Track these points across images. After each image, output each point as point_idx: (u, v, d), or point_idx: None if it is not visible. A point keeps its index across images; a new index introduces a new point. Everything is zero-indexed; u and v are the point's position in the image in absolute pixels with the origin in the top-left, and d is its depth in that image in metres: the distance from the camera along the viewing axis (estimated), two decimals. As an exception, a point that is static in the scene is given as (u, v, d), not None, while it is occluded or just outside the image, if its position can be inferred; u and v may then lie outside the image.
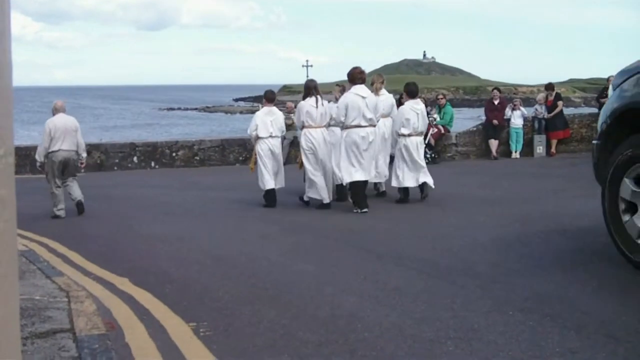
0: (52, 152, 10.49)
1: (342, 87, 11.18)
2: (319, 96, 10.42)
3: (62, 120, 10.51)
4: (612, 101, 5.78)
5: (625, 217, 5.57)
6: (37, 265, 7.18)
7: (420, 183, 10.42)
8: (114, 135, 50.51)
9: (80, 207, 10.81)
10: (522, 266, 6.11)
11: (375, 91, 10.83)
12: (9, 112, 1.02)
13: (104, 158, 20.10)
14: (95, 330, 4.80)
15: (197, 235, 8.96)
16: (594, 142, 6.14)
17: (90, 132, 57.23)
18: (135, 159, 20.18)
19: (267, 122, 10.77)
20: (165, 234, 8.99)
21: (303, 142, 10.45)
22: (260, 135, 10.74)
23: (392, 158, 11.05)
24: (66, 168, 10.64)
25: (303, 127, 10.46)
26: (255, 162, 11.01)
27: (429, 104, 19.13)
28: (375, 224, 8.97)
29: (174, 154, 19.85)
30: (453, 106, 19.99)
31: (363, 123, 9.66)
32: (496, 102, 17.89)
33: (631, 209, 5.52)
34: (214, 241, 8.44)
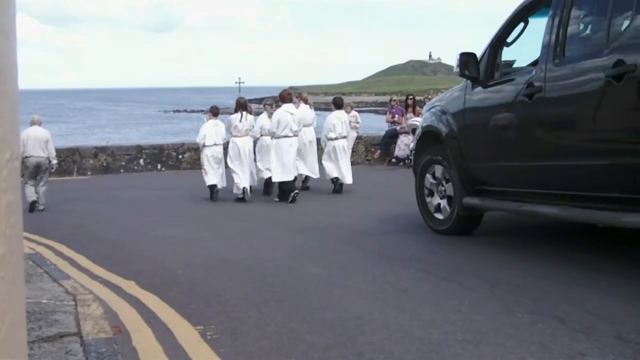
0: (26, 157, 12.13)
1: (271, 103, 13.62)
2: (244, 112, 12.63)
3: (34, 132, 12.35)
4: (420, 124, 8.54)
5: (428, 199, 8.12)
6: (44, 268, 7.19)
7: (341, 178, 12.94)
8: (121, 137, 50.73)
9: (32, 206, 12.09)
10: (530, 268, 6.08)
11: (304, 102, 13.86)
12: (14, 116, 1.01)
13: (111, 161, 20.14)
14: (102, 333, 4.80)
15: (203, 237, 8.96)
16: (412, 150, 8.95)
17: (93, 134, 57.48)
18: (141, 161, 20.21)
19: (213, 132, 12.88)
20: (171, 237, 8.99)
21: (230, 148, 12.71)
22: (207, 143, 12.83)
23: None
24: (38, 171, 12.33)
25: (232, 136, 12.69)
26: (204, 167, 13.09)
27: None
28: (381, 225, 8.96)
29: (180, 156, 19.87)
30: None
31: (290, 134, 12.02)
32: None
33: (431, 194, 8.06)
34: (221, 244, 8.44)
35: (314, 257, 7.36)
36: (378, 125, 31.53)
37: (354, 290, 5.74)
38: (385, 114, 20.25)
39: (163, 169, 19.88)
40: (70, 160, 20.00)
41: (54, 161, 12.78)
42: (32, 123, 12.54)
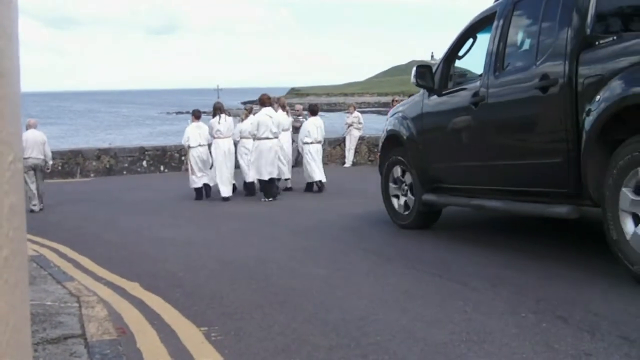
0: (25, 159, 12.35)
1: (249, 109, 14.41)
2: (223, 115, 13.48)
3: (32, 135, 12.83)
4: (384, 128, 9.20)
5: (392, 197, 8.81)
6: (48, 270, 7.20)
7: (318, 180, 13.82)
8: (122, 139, 50.90)
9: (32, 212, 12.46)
10: (532, 268, 6.07)
11: (282, 107, 14.44)
12: (17, 119, 1.01)
13: (114, 162, 20.16)
14: (107, 335, 4.80)
15: (206, 239, 8.97)
16: (377, 152, 9.66)
17: (94, 135, 57.64)
18: (144, 163, 20.24)
19: (197, 134, 13.72)
20: (174, 238, 9.00)
21: (213, 149, 13.45)
22: (191, 144, 13.65)
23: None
24: (36, 172, 12.85)
25: (214, 138, 13.43)
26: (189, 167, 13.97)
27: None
28: (382, 226, 8.95)
29: (183, 158, 19.88)
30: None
31: (270, 136, 12.77)
32: None
33: (395, 192, 8.78)
34: (224, 245, 8.45)
35: (315, 257, 7.36)
36: (381, 126, 31.42)
37: (356, 291, 5.74)
38: (387, 114, 20.33)
39: (166, 170, 19.90)
40: (73, 162, 20.02)
41: (50, 162, 13.46)
42: (29, 126, 13.05)
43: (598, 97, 5.33)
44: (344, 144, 20.65)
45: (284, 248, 8.05)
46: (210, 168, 13.56)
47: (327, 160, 21.41)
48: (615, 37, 5.52)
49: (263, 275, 6.54)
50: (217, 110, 13.53)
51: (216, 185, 13.45)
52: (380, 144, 9.30)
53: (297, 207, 11.76)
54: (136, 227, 10.51)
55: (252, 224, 10.16)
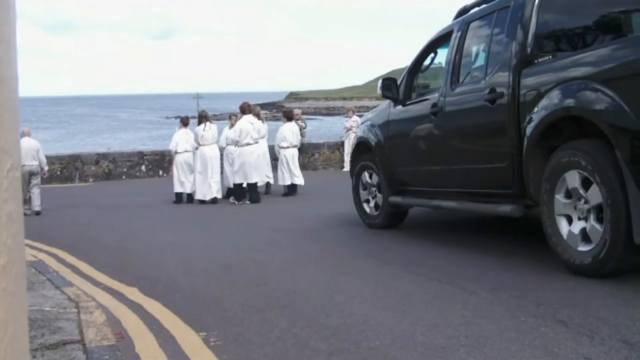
0: (21, 166, 13.30)
1: (235, 117, 14.65)
2: (208, 122, 14.26)
3: (26, 143, 13.31)
4: (356, 135, 9.98)
5: (362, 199, 9.43)
6: (47, 275, 7.19)
7: (294, 183, 14.54)
8: (120, 142, 51.01)
9: (38, 214, 13.21)
10: (531, 271, 6.06)
11: (257, 116, 14.81)
12: (15, 126, 1.00)
13: (112, 167, 20.16)
14: (105, 341, 4.79)
15: (205, 243, 8.96)
16: (350, 157, 10.58)
17: (91, 140, 57.74)
18: (143, 167, 20.24)
19: (184, 140, 14.46)
20: (173, 243, 8.99)
21: (197, 156, 14.15)
22: (179, 150, 14.41)
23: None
24: (31, 178, 13.30)
25: (199, 145, 14.14)
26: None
27: None
28: (381, 231, 8.95)
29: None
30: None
31: (251, 142, 13.56)
32: None
33: (364, 194, 9.38)
34: (223, 249, 8.44)
35: (315, 261, 7.35)
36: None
37: (356, 295, 5.73)
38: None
39: (164, 175, 19.90)
40: (72, 167, 20.02)
41: (46, 168, 14.00)
42: (23, 134, 13.51)
43: (536, 108, 6.02)
44: (343, 148, 20.66)
45: (283, 252, 8.04)
46: (192, 173, 14.33)
47: (325, 165, 21.43)
48: (551, 57, 6.25)
49: (262, 280, 6.53)
50: (202, 117, 14.33)
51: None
52: (351, 150, 10.11)
53: (296, 211, 11.75)
54: (135, 231, 10.50)
55: (251, 228, 10.16)
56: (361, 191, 9.46)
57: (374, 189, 9.18)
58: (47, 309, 5.67)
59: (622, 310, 4.78)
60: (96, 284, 6.87)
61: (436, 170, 7.72)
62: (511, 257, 6.65)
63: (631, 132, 5.12)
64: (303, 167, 20.52)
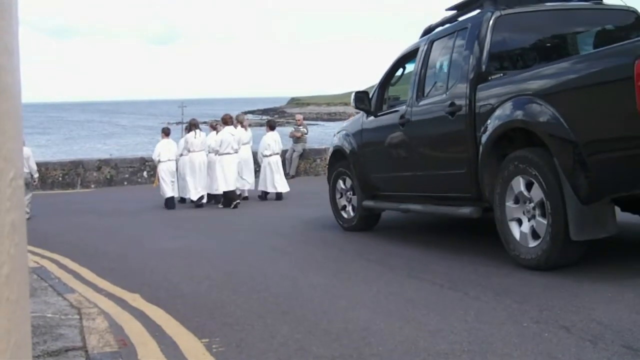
0: None
1: (216, 124, 15.50)
2: (197, 130, 15.07)
3: None
4: (332, 144, 10.60)
5: (338, 203, 10.00)
6: (49, 282, 7.18)
7: (278, 190, 15.16)
8: (120, 148, 51.20)
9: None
10: (534, 277, 6.05)
11: (240, 124, 15.87)
12: (18, 134, 1.00)
13: (114, 173, 20.18)
14: (108, 347, 4.79)
15: (207, 249, 8.95)
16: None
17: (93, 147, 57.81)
18: (145, 173, 20.25)
19: (167, 150, 15.23)
20: (175, 249, 8.99)
21: (187, 161, 14.86)
22: (162, 159, 15.11)
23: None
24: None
25: (189, 151, 14.92)
26: (158, 179, 15.79)
27: None
28: (384, 236, 8.95)
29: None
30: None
31: (231, 152, 14.40)
32: None
33: (340, 199, 9.96)
34: (224, 255, 8.43)
35: (317, 267, 7.35)
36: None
37: (358, 301, 5.73)
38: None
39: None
40: (74, 173, 20.03)
41: (36, 175, 14.17)
42: None
43: (490, 120, 6.66)
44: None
45: (284, 257, 8.03)
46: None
47: (327, 170, 21.42)
48: (502, 74, 6.93)
49: (265, 286, 6.52)
50: (193, 126, 15.28)
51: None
52: (328, 158, 10.73)
53: (296, 216, 11.75)
54: (137, 237, 10.50)
55: (252, 234, 10.15)
56: (337, 196, 10.03)
57: (349, 194, 9.73)
58: (49, 315, 5.66)
59: (625, 315, 4.76)
60: (98, 290, 6.87)
61: (404, 176, 8.30)
62: (514, 262, 6.63)
63: (566, 141, 5.79)
64: (305, 172, 20.56)
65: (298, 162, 20.31)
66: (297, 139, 20.07)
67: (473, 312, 5.13)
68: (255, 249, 8.77)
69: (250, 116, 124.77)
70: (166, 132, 15.68)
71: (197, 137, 14.97)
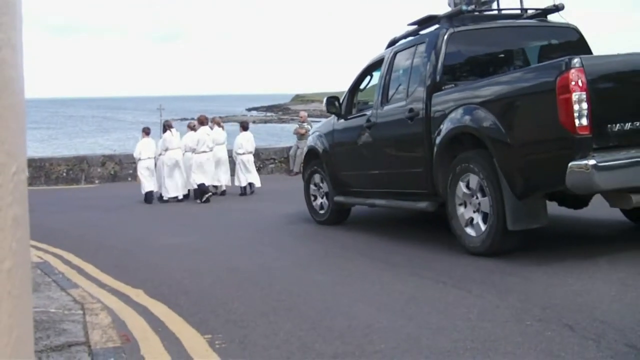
0: None
1: (194, 125, 16.12)
2: (173, 129, 16.05)
3: None
4: (307, 144, 11.39)
5: (312, 199, 10.62)
6: (52, 277, 7.20)
7: (249, 183, 16.25)
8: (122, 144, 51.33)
9: None
10: (537, 275, 6.05)
11: (217, 125, 17.18)
12: (21, 129, 1.00)
13: (118, 169, 20.21)
14: (111, 343, 4.79)
15: (210, 246, 8.96)
16: (301, 164, 12.27)
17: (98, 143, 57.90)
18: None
19: (147, 148, 16.07)
20: (179, 245, 8.99)
21: (166, 159, 15.67)
22: (142, 157, 15.88)
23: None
24: None
25: (166, 150, 15.80)
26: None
27: None
28: (387, 233, 8.94)
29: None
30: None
31: (207, 150, 15.46)
32: None
33: (314, 195, 10.59)
34: (228, 252, 8.44)
35: (320, 263, 7.35)
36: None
37: (361, 298, 5.72)
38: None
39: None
40: (78, 168, 20.06)
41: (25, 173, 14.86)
42: None
43: (443, 125, 7.41)
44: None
45: (288, 254, 8.04)
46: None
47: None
48: (454, 84, 7.66)
49: (268, 282, 6.53)
50: (168, 127, 16.32)
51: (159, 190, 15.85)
52: (303, 157, 11.57)
53: (298, 214, 11.74)
54: (140, 233, 10.52)
55: (254, 230, 10.16)
56: (311, 193, 10.70)
57: (322, 190, 10.41)
58: (52, 310, 5.68)
59: (628, 314, 4.76)
60: (102, 285, 6.88)
61: (370, 174, 9.08)
62: (515, 260, 6.63)
63: (503, 144, 6.62)
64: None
65: (302, 159, 20.32)
66: (300, 136, 20.02)
67: (476, 310, 5.12)
68: (258, 245, 8.77)
69: (254, 113, 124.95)
70: (146, 132, 16.59)
71: (174, 136, 15.97)
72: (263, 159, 20.63)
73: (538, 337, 4.42)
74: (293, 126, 24.06)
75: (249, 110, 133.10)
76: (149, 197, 15.63)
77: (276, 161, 20.81)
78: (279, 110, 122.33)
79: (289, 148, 20.42)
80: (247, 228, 10.47)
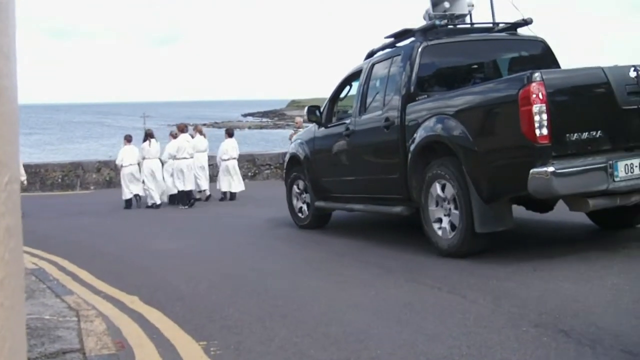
0: None
1: (175, 134, 16.45)
2: (152, 139, 16.47)
3: None
4: (289, 151, 11.52)
5: (294, 204, 10.97)
6: (47, 283, 7.17)
7: (233, 190, 16.64)
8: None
9: None
10: (533, 281, 6.05)
11: (199, 132, 17.61)
12: (14, 138, 0.99)
13: (113, 175, 20.15)
14: (105, 350, 4.77)
15: (206, 252, 8.94)
16: (284, 169, 12.11)
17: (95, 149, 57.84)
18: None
19: (129, 155, 16.48)
20: (174, 251, 8.98)
21: (145, 167, 16.21)
22: (124, 164, 16.32)
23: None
24: None
25: (144, 159, 16.33)
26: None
27: None
28: (382, 239, 8.94)
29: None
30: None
31: (187, 157, 15.86)
32: None
33: (296, 200, 10.93)
34: (224, 258, 8.42)
35: (315, 269, 7.34)
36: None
37: (357, 304, 5.71)
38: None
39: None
40: (74, 174, 20.02)
41: (23, 178, 14.84)
42: None
43: (416, 134, 7.74)
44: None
45: (283, 260, 8.02)
46: (144, 182, 16.24)
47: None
48: (427, 95, 8.00)
49: (263, 288, 6.51)
50: (148, 135, 16.65)
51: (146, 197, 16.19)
52: (285, 164, 11.86)
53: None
54: (135, 239, 10.49)
55: (249, 236, 10.15)
56: (293, 198, 11.02)
57: (304, 195, 10.74)
58: (47, 317, 5.65)
59: (624, 319, 4.76)
60: (96, 292, 6.86)
61: (349, 180, 9.40)
62: (511, 266, 6.63)
63: (471, 151, 6.99)
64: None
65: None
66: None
67: (472, 316, 5.11)
68: (253, 250, 8.76)
69: (250, 118, 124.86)
70: (128, 139, 16.97)
71: (152, 146, 16.42)
72: (259, 164, 20.62)
73: (534, 342, 4.42)
74: (289, 132, 24.03)
75: (245, 115, 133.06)
76: (128, 204, 16.00)
77: (272, 167, 20.80)
78: (274, 116, 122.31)
79: (285, 154, 20.42)
80: (242, 234, 10.47)
